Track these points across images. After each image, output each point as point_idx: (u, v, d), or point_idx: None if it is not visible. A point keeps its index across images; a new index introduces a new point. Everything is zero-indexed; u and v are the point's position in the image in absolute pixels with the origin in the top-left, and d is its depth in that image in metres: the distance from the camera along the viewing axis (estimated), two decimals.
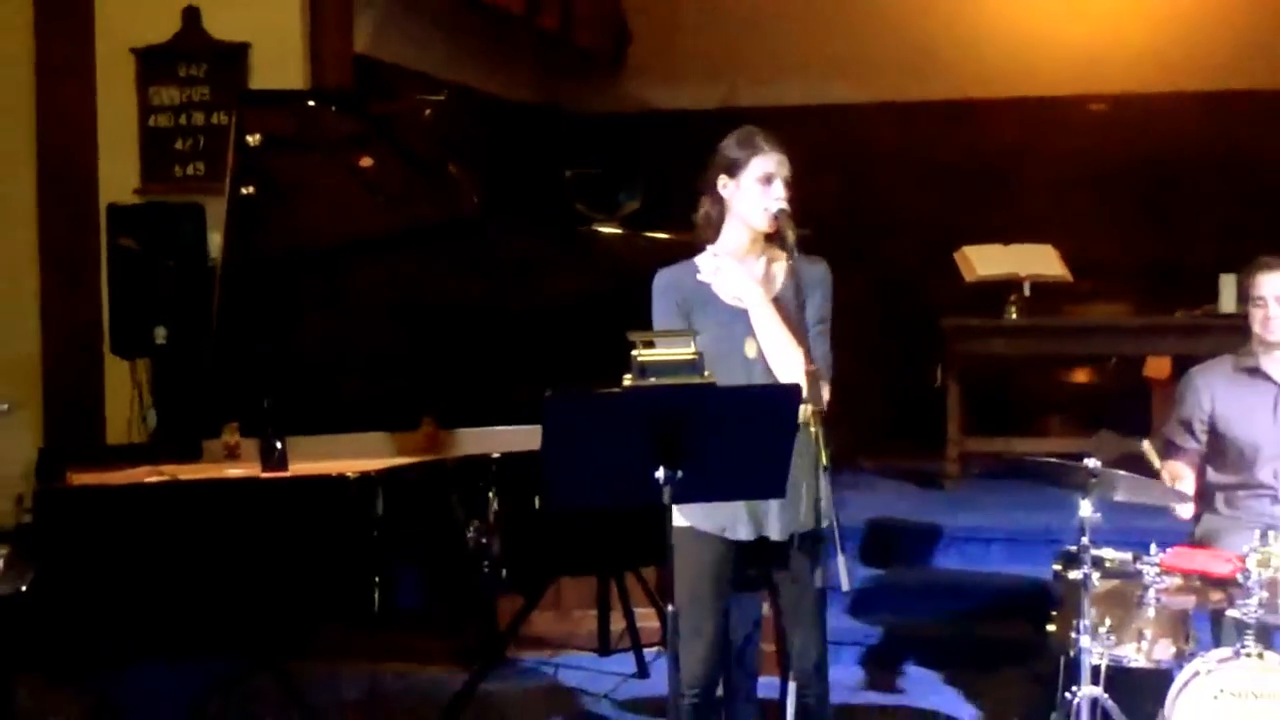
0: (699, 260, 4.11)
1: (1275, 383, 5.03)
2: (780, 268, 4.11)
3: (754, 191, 4.05)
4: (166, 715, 3.97)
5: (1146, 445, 4.92)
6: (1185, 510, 5.01)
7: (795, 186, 4.07)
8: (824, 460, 3.77)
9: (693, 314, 4.04)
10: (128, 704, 4.14)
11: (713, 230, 4.12)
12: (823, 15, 10.15)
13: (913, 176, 9.85)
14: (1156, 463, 4.91)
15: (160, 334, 6.48)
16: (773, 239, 4.07)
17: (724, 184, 4.06)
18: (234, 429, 4.79)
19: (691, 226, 4.22)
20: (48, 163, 7.42)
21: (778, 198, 4.03)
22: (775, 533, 4.04)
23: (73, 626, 3.88)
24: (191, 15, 7.27)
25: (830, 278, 4.17)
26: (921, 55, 10.04)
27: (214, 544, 4.04)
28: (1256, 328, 5.03)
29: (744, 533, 4.06)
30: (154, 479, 4.38)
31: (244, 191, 4.61)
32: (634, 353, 3.69)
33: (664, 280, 4.09)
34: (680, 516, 3.85)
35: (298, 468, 4.55)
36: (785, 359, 4.00)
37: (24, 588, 3.90)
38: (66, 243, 7.37)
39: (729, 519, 4.04)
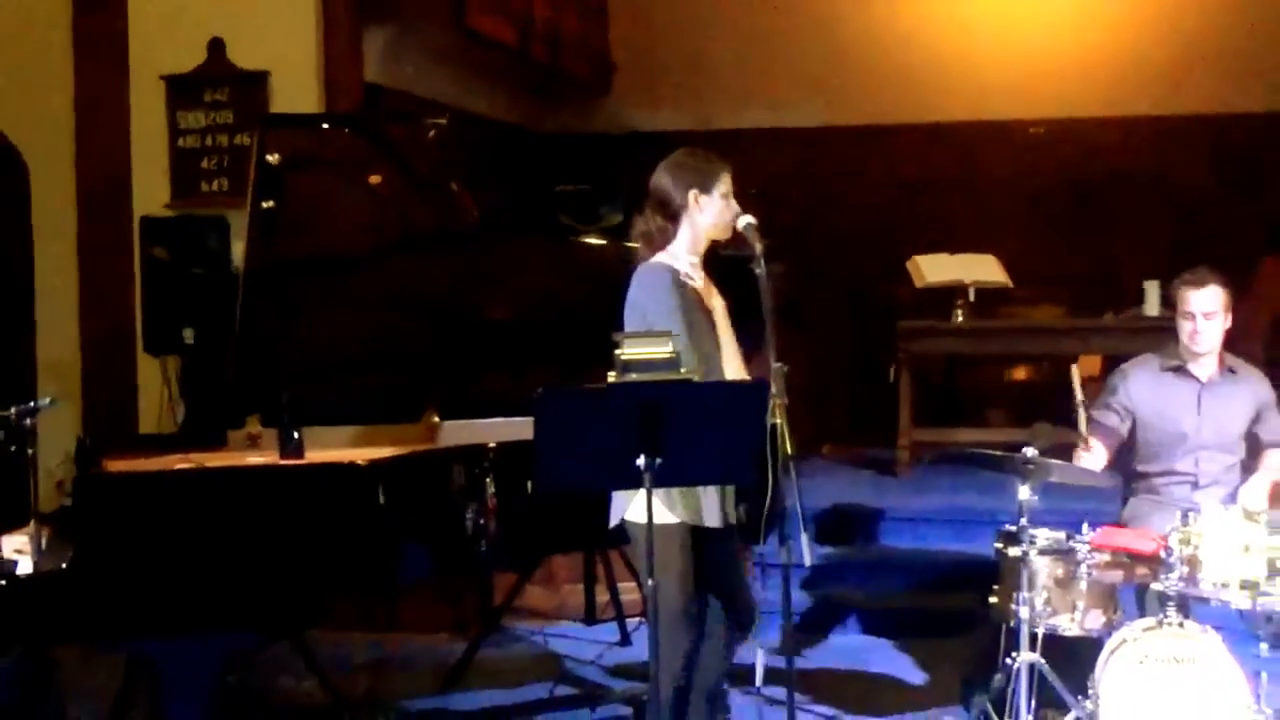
0: (678, 266, 4.10)
1: (1198, 381, 5.05)
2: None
3: (721, 205, 4.09)
4: (193, 681, 3.96)
5: (1081, 413, 4.94)
6: (1094, 460, 5.01)
7: (761, 202, 4.12)
8: (788, 449, 3.80)
9: (681, 313, 4.03)
10: (157, 671, 4.13)
11: (660, 242, 4.11)
12: (788, 46, 10.14)
13: (869, 192, 9.87)
14: (1082, 407, 4.94)
15: (188, 334, 6.47)
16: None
17: (695, 197, 4.07)
18: (255, 420, 4.78)
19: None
20: (86, 179, 7.41)
21: (742, 211, 4.08)
22: (730, 516, 4.10)
23: (108, 600, 3.88)
24: (216, 46, 7.26)
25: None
26: (877, 83, 10.04)
27: (236, 525, 4.04)
28: (1184, 339, 5.04)
29: (714, 519, 4.07)
30: (182, 466, 4.38)
31: (264, 205, 4.61)
32: (617, 351, 3.71)
33: (665, 277, 4.04)
34: (668, 512, 3.87)
35: (313, 455, 4.55)
36: (735, 356, 4.07)
37: (64, 565, 3.89)
38: (103, 252, 7.35)
39: (704, 506, 4.04)
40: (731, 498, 4.07)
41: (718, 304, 4.14)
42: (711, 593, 4.21)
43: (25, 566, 3.93)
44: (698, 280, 4.13)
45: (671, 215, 4.09)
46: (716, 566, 4.18)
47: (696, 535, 4.07)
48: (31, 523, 4.01)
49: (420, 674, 5.77)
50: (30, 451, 4.03)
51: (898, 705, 5.36)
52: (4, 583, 3.77)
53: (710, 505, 4.04)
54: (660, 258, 4.09)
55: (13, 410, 4.08)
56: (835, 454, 8.50)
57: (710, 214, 4.08)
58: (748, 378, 4.01)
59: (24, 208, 7.62)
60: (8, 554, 3.89)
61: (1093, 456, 5.03)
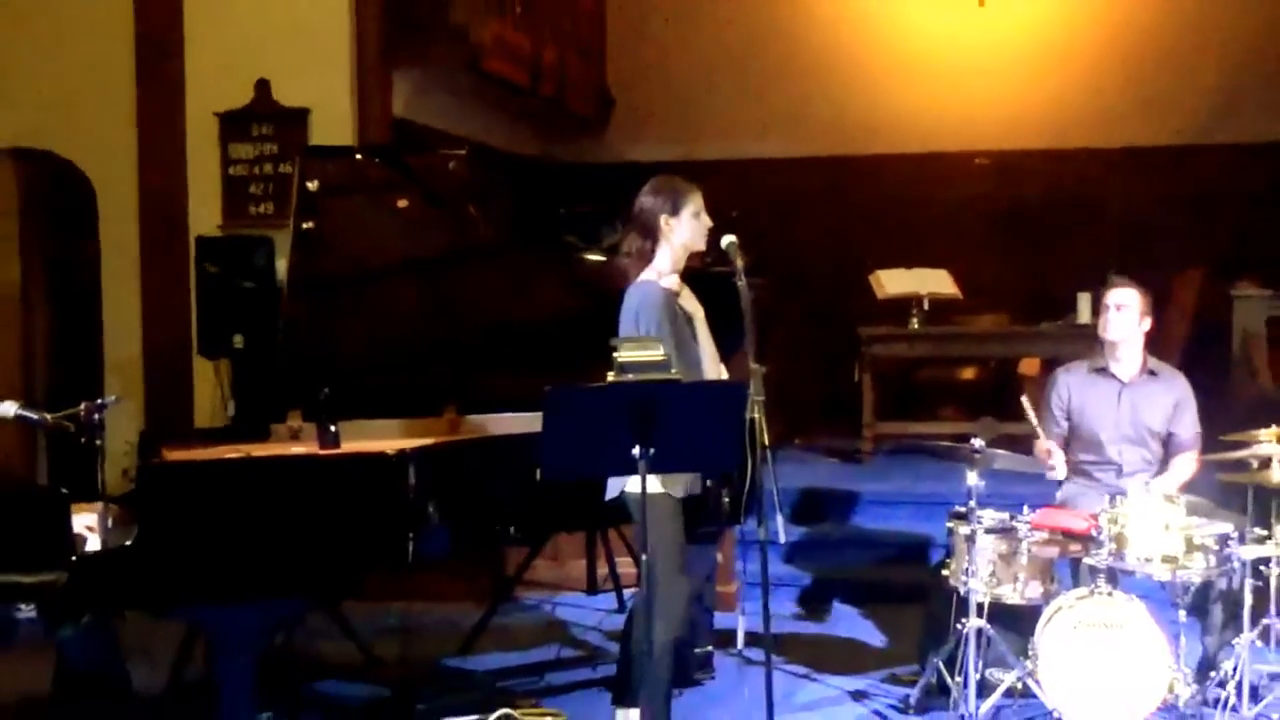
0: (663, 282, 4.12)
1: (1119, 380, 5.07)
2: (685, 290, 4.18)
3: (691, 224, 4.10)
4: (242, 644, 3.95)
5: (1025, 401, 4.96)
6: (1059, 472, 5.04)
7: (741, 223, 4.13)
8: (764, 440, 3.81)
9: (667, 324, 4.05)
10: (211, 635, 4.13)
11: (643, 260, 4.13)
12: (764, 86, 10.20)
13: (836, 215, 9.91)
14: (1033, 415, 4.94)
15: (238, 340, 6.45)
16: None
17: (665, 220, 4.09)
18: (296, 415, 4.78)
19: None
20: (148, 204, 7.39)
21: (726, 232, 4.09)
22: (696, 489, 4.11)
23: (168, 573, 3.87)
24: (263, 86, 7.25)
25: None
26: (843, 120, 10.12)
27: (280, 508, 4.03)
28: (1100, 330, 5.08)
29: (683, 490, 4.08)
30: (232, 456, 4.37)
31: (305, 226, 4.60)
32: (615, 354, 3.72)
33: (657, 293, 4.06)
34: (661, 484, 3.87)
35: (348, 446, 4.55)
36: (714, 359, 4.09)
37: (128, 542, 3.89)
38: (162, 267, 7.34)
39: (689, 482, 4.07)
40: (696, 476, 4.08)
41: (697, 312, 4.16)
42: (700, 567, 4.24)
43: (94, 544, 3.93)
44: (688, 293, 4.15)
45: (651, 236, 4.12)
46: (708, 536, 4.23)
47: (687, 505, 4.10)
48: (100, 504, 4.01)
49: (442, 638, 5.77)
50: (99, 442, 4.03)
51: (862, 665, 5.36)
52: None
53: (679, 480, 4.06)
54: (647, 274, 4.10)
55: (83, 406, 4.08)
56: (806, 444, 8.51)
57: (682, 233, 4.11)
58: (725, 377, 4.01)
59: (92, 228, 7.60)
60: (79, 529, 3.89)
61: (1058, 461, 5.04)
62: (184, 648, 4.78)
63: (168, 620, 4.58)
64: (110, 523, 3.97)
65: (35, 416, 4.20)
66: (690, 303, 4.16)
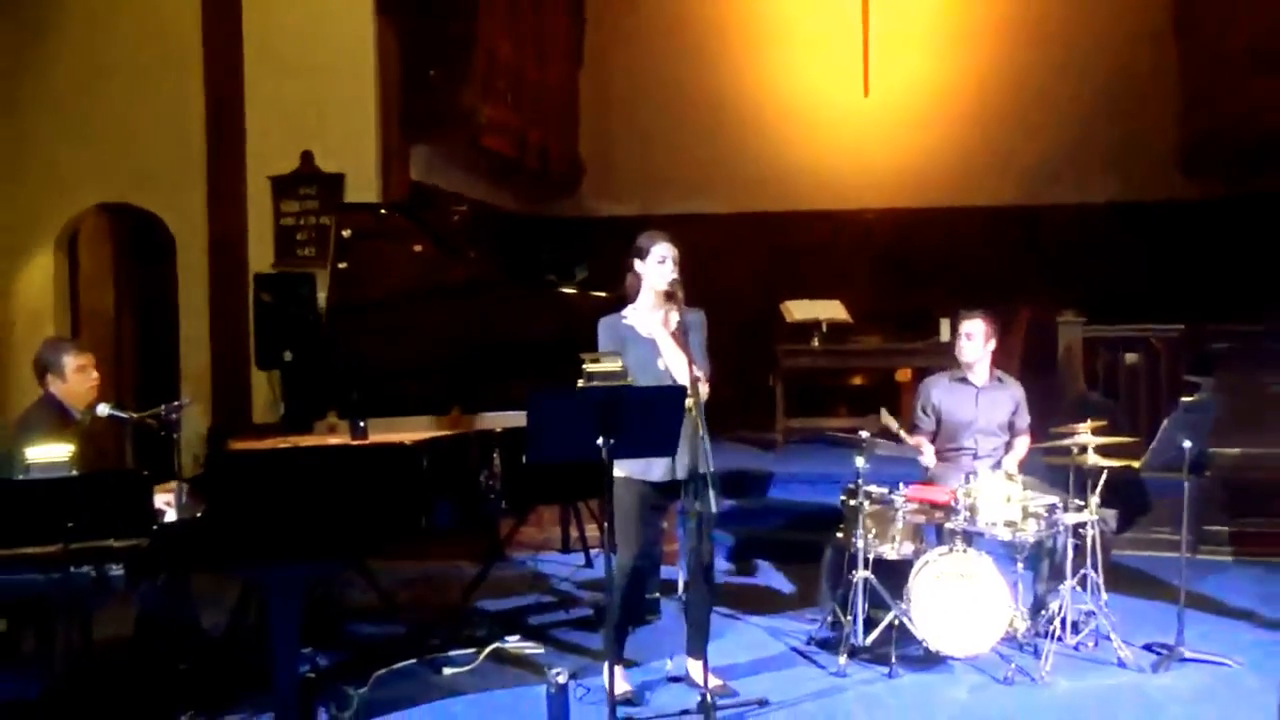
0: (625, 312, 4.16)
1: (974, 386, 5.11)
2: (673, 315, 4.14)
3: (655, 268, 4.11)
4: (289, 596, 3.91)
5: (884, 413, 4.99)
6: (929, 460, 5.08)
7: (685, 265, 4.14)
8: (702, 432, 3.82)
9: (625, 344, 4.07)
10: (265, 589, 4.09)
11: (634, 292, 4.18)
12: (705, 156, 10.12)
13: (757, 257, 9.88)
14: (893, 424, 4.95)
15: (287, 355, 6.38)
16: (669, 297, 4.12)
17: (638, 264, 4.13)
18: (333, 414, 4.75)
19: (617, 287, 4.32)
20: (215, 248, 7.35)
21: (671, 272, 4.10)
22: (679, 474, 4.08)
23: (230, 540, 3.82)
24: (307, 155, 7.21)
25: (704, 319, 4.22)
26: (764, 183, 10.10)
27: (321, 487, 3.99)
28: (956, 352, 5.13)
29: (658, 475, 4.08)
30: (283, 446, 4.34)
31: (340, 266, 4.56)
32: (584, 366, 3.74)
33: (605, 324, 4.15)
34: (618, 469, 3.85)
35: (374, 437, 4.52)
36: (680, 369, 4.06)
37: (199, 514, 3.85)
38: (227, 297, 7.29)
39: (648, 467, 4.06)
40: (681, 462, 4.01)
41: (662, 333, 4.14)
42: (654, 533, 4.23)
43: (170, 516, 3.89)
44: (651, 320, 4.13)
45: (634, 273, 4.17)
46: (654, 510, 4.21)
47: (650, 486, 4.10)
48: (176, 484, 3.97)
49: (447, 588, 5.74)
50: (175, 435, 4.00)
51: (776, 607, 5.37)
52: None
53: (653, 465, 4.05)
54: (628, 308, 4.16)
55: (163, 407, 4.04)
56: (734, 435, 8.52)
57: (649, 275, 4.12)
58: (701, 382, 4.00)
59: (171, 267, 7.55)
60: (159, 505, 3.84)
61: (928, 451, 5.08)
62: (243, 598, 4.72)
63: (230, 576, 4.53)
64: (184, 499, 3.93)
65: (124, 415, 4.16)
66: (655, 328, 4.14)
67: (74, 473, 3.71)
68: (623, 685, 4.10)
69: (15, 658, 4.19)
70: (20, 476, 3.71)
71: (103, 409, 4.13)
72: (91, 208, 7.78)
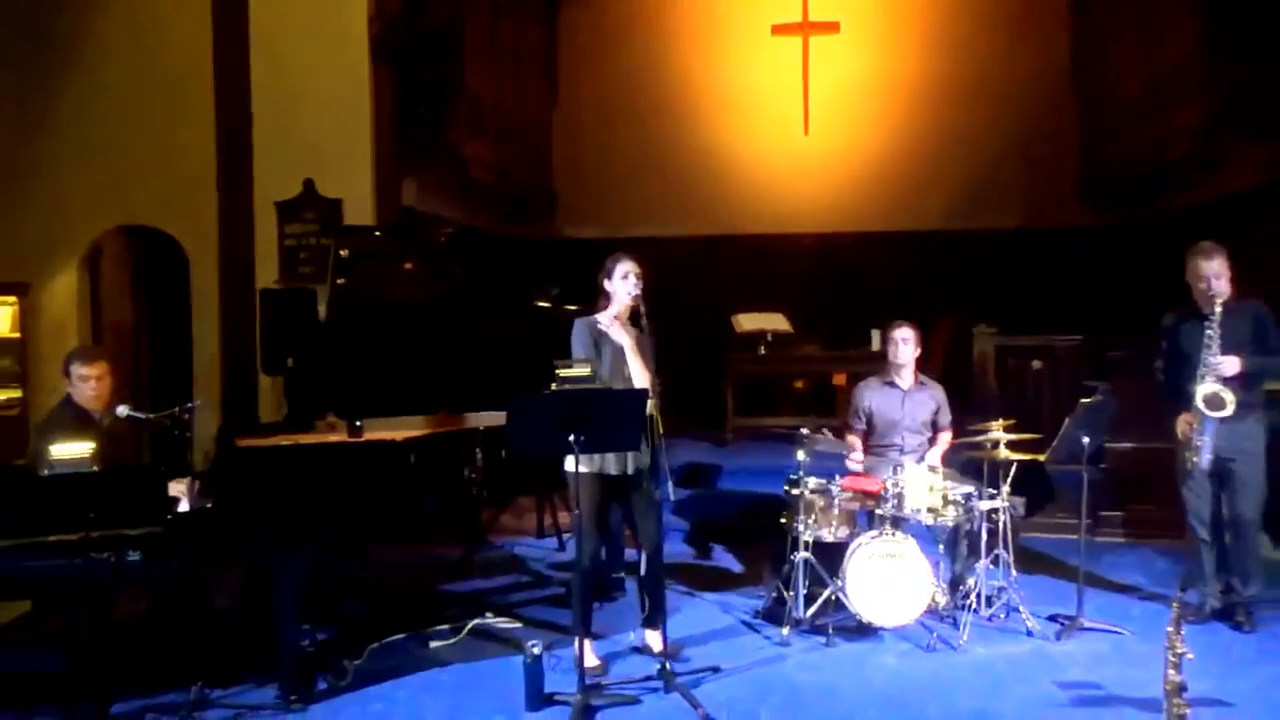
0: (598, 316, 4.15)
1: (901, 390, 5.14)
2: (627, 329, 4.16)
3: (620, 283, 4.11)
4: (292, 577, 3.87)
5: (826, 432, 5.01)
6: (857, 458, 5.10)
7: (646, 282, 4.15)
8: (660, 430, 3.82)
9: (599, 344, 4.07)
10: (269, 571, 4.04)
11: (606, 303, 4.17)
12: (664, 184, 10.19)
13: (711, 276, 9.91)
14: (829, 435, 4.99)
15: (289, 362, 6.32)
16: (634, 311, 4.13)
17: (606, 282, 4.13)
18: (332, 414, 4.71)
19: (586, 301, 4.32)
20: (225, 265, 7.27)
21: (635, 286, 4.10)
22: (629, 469, 4.08)
23: (238, 527, 3.78)
24: (309, 183, 7.16)
25: (652, 343, 4.15)
26: (715, 209, 10.17)
27: (321, 479, 3.97)
28: (890, 357, 5.16)
29: (613, 470, 4.07)
30: (286, 443, 4.30)
31: (338, 282, 4.55)
32: (557, 371, 3.74)
33: (580, 323, 4.12)
34: (582, 465, 3.85)
35: (369, 435, 4.49)
36: (641, 376, 4.07)
37: (209, 505, 3.80)
38: (236, 310, 7.21)
39: (605, 463, 4.05)
40: (630, 458, 4.02)
41: (627, 341, 4.14)
42: (621, 514, 4.22)
43: (184, 506, 3.83)
44: (615, 327, 4.12)
45: (604, 290, 4.16)
46: (626, 500, 4.20)
47: (607, 479, 4.08)
48: (188, 478, 3.91)
49: (435, 569, 5.68)
50: (188, 434, 3.94)
51: (727, 585, 5.37)
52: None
53: (608, 461, 4.04)
54: (600, 314, 4.14)
55: (177, 408, 3.99)
56: (689, 433, 8.53)
57: (617, 290, 4.13)
58: (652, 385, 4.00)
59: (185, 282, 7.46)
60: (173, 493, 3.79)
61: (858, 447, 5.11)
62: (248, 579, 4.65)
63: (237, 560, 4.47)
64: (195, 491, 3.88)
65: (142, 415, 4.09)
66: (621, 335, 4.13)
67: (94, 468, 3.65)
68: (592, 659, 4.07)
69: (40, 636, 4.11)
70: (45, 472, 3.65)
71: (122, 410, 4.07)
72: (112, 229, 7.69)
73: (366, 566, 5.27)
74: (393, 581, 5.43)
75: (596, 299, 4.22)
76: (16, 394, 7.36)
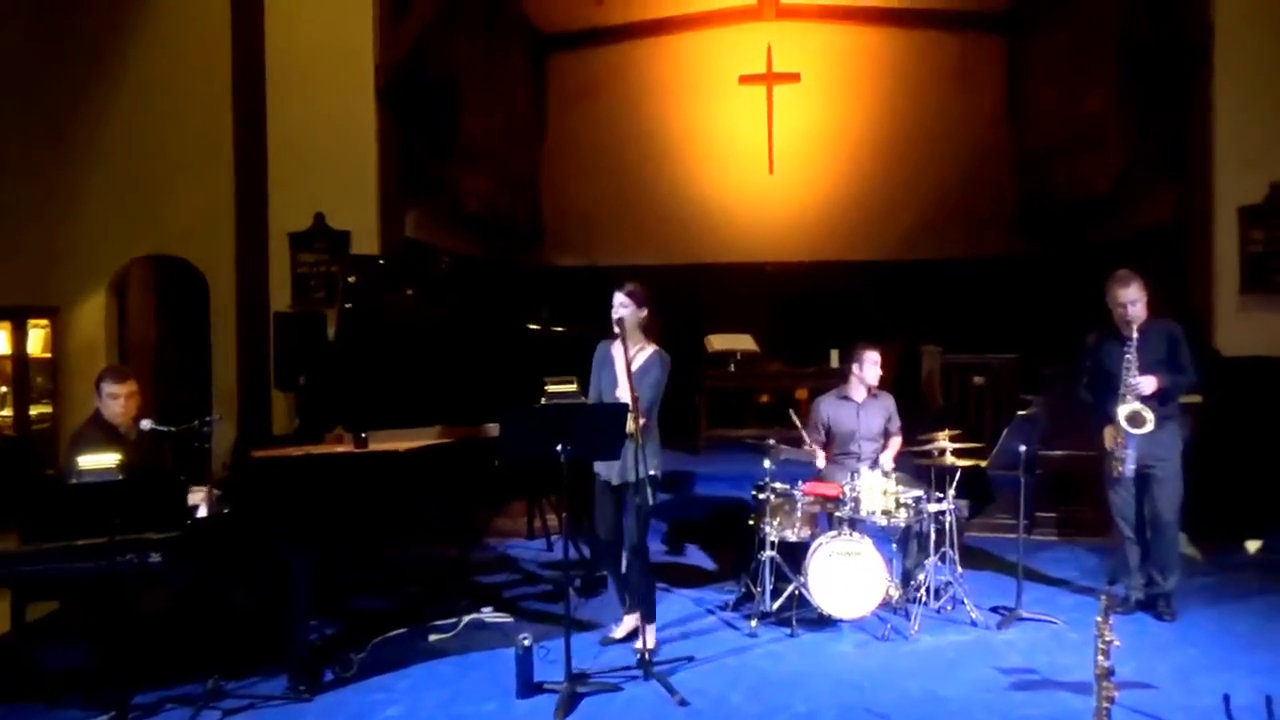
0: (614, 342, 4.17)
1: (855, 402, 5.10)
2: (644, 352, 4.19)
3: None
4: (304, 575, 3.82)
5: (791, 413, 4.98)
6: (820, 463, 5.08)
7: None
8: (642, 443, 3.83)
9: (604, 363, 4.17)
10: (286, 572, 3.99)
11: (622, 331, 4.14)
12: (641, 218, 10.19)
13: (686, 301, 9.90)
14: (797, 420, 4.94)
15: (301, 379, 6.30)
16: (645, 332, 4.15)
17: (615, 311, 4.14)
18: (340, 427, 4.67)
19: (574, 324, 4.35)
20: (242, 291, 7.19)
21: (614, 311, 4.11)
22: (615, 480, 4.10)
23: (254, 532, 3.74)
24: (319, 216, 7.11)
25: (666, 363, 4.20)
26: (687, 240, 10.18)
27: (330, 486, 3.94)
28: (863, 377, 5.06)
29: (615, 479, 4.10)
30: (297, 453, 4.26)
31: (346, 306, 4.51)
32: (546, 388, 3.75)
33: (600, 347, 4.24)
34: (599, 472, 3.94)
35: (374, 447, 4.45)
36: (622, 393, 4.09)
37: (226, 512, 3.75)
38: (252, 332, 7.13)
39: (608, 470, 4.09)
40: (629, 467, 3.95)
41: (621, 362, 4.12)
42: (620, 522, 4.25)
43: (202, 512, 3.79)
44: (619, 351, 4.12)
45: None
46: (622, 506, 4.20)
47: (610, 486, 4.14)
48: (207, 486, 3.87)
49: (434, 567, 5.60)
50: (208, 446, 3.90)
51: (700, 581, 5.36)
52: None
53: (612, 470, 4.06)
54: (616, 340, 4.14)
55: (197, 422, 3.95)
56: (665, 443, 8.46)
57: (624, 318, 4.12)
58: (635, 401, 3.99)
59: (205, 307, 7.38)
60: (193, 500, 3.75)
61: (819, 455, 5.07)
62: (262, 579, 4.59)
63: (252, 561, 4.41)
64: (213, 498, 3.84)
65: (164, 429, 4.05)
66: (627, 357, 4.09)
67: (120, 477, 3.60)
68: (628, 626, 4.18)
69: (67, 633, 4.04)
70: (74, 481, 3.61)
71: (145, 424, 4.02)
72: (138, 257, 7.62)
73: (374, 563, 5.22)
74: (398, 577, 5.37)
75: (584, 322, 4.26)
76: (48, 410, 7.28)
